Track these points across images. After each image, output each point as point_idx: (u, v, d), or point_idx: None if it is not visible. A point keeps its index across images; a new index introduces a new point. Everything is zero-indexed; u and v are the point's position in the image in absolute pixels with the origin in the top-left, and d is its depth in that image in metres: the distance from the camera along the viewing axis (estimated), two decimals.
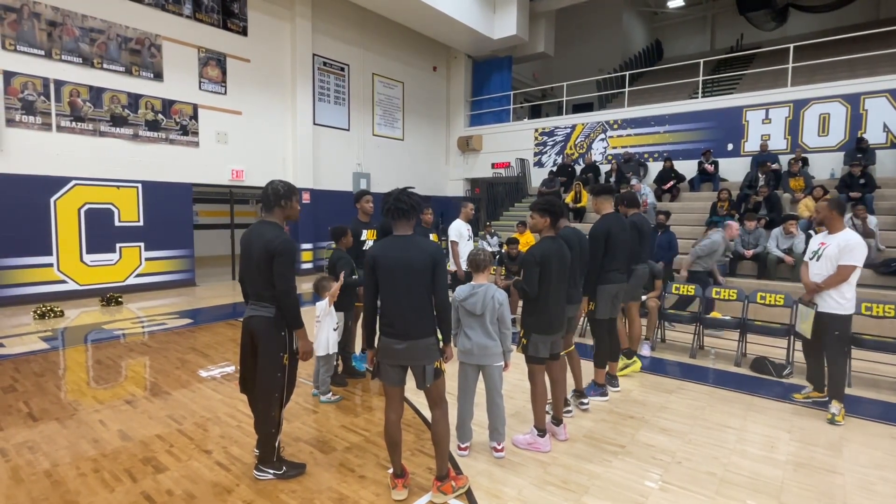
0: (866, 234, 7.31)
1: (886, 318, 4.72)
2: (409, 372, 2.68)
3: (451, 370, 3.05)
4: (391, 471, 2.75)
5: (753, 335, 5.29)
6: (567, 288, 3.40)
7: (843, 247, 3.75)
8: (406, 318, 2.55)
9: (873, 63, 11.00)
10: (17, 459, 3.04)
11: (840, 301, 3.80)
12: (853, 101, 9.62)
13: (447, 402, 2.77)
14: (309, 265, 11.71)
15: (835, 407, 3.80)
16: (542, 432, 3.25)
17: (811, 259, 4.04)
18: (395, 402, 2.69)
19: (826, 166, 9.80)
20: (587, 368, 4.16)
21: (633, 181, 10.71)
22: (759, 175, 9.44)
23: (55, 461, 3.02)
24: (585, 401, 3.97)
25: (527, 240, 9.46)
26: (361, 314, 4.83)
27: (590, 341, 4.35)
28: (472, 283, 3.11)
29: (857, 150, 9.12)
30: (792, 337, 4.94)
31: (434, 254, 2.57)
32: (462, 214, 6.09)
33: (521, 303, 3.36)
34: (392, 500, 2.65)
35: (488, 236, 10.13)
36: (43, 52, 7.79)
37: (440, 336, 2.68)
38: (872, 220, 7.45)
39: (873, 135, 9.40)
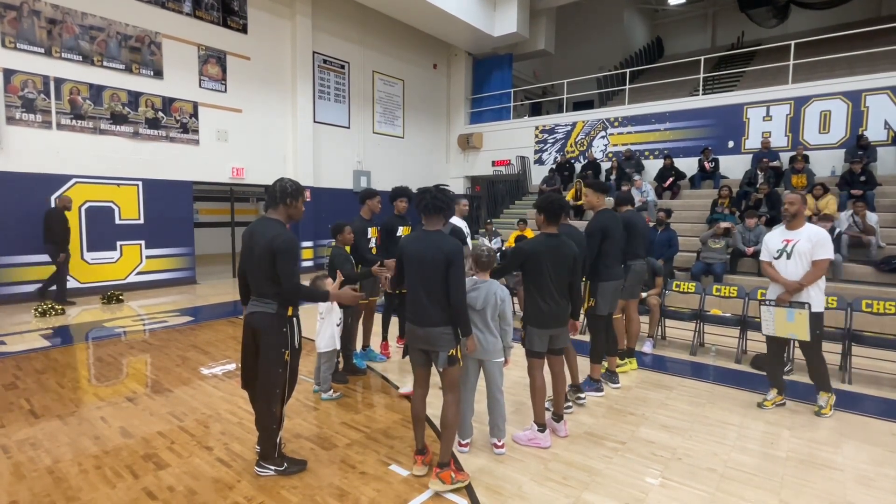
0: (867, 231, 7.31)
1: (887, 315, 4.72)
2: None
3: None
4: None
5: (754, 332, 5.28)
6: (570, 285, 3.41)
7: (815, 241, 3.64)
8: (421, 307, 2.72)
9: (874, 60, 10.97)
10: (19, 456, 3.05)
11: (818, 298, 3.71)
12: (854, 98, 9.60)
13: (460, 391, 2.86)
14: (309, 263, 11.71)
15: (822, 398, 3.78)
16: (542, 428, 3.26)
17: (777, 258, 3.84)
18: (421, 380, 2.91)
19: (827, 163, 9.78)
20: (583, 364, 4.19)
21: (636, 177, 10.71)
22: (758, 172, 9.44)
23: (57, 458, 3.03)
24: (582, 395, 3.98)
25: (528, 237, 9.49)
26: (363, 312, 4.90)
27: (585, 338, 4.36)
28: (474, 277, 3.12)
29: (858, 148, 9.10)
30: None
31: (449, 253, 2.65)
32: (456, 211, 6.08)
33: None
34: (393, 495, 2.66)
35: (489, 235, 10.12)
36: (43, 50, 7.78)
37: (457, 328, 2.76)
38: (873, 217, 7.45)
39: (874, 132, 9.38)
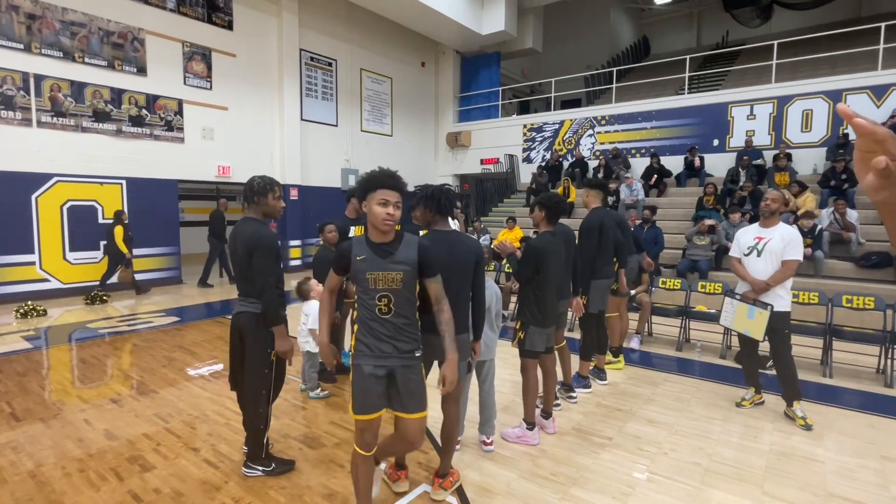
0: (847, 227, 7.46)
1: (866, 310, 4.83)
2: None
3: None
4: (382, 467, 2.71)
5: None
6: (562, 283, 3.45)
7: (788, 241, 3.57)
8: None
9: (854, 60, 11.18)
10: (0, 460, 2.99)
11: (786, 297, 3.65)
12: (835, 97, 9.77)
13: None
14: (297, 262, 11.64)
15: (798, 408, 3.63)
16: (531, 425, 3.28)
17: (747, 255, 3.77)
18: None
19: (809, 162, 9.95)
20: (574, 362, 4.21)
21: (627, 175, 10.80)
22: (740, 170, 9.58)
23: (39, 461, 2.98)
24: (574, 394, 4.02)
25: (515, 235, 9.52)
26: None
27: (577, 335, 4.38)
28: None
29: (839, 146, 9.28)
30: None
31: (478, 252, 2.64)
32: None
33: (514, 298, 3.39)
34: (391, 493, 2.65)
35: (478, 234, 10.15)
36: (22, 46, 7.61)
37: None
38: (853, 214, 7.60)
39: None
